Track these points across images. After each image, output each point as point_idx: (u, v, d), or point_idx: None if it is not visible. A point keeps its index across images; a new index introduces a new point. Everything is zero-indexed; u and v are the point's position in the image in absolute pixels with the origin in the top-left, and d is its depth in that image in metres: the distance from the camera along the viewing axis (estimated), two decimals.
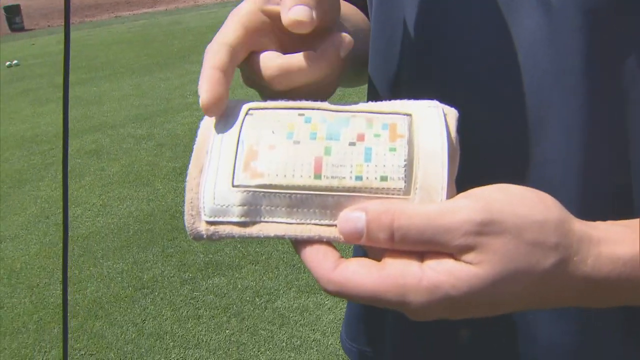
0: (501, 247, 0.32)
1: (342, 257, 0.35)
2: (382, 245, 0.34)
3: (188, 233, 0.37)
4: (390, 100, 0.40)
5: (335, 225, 0.35)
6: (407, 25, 0.49)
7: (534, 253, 0.32)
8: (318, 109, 0.39)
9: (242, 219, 0.36)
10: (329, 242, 0.36)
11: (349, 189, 0.35)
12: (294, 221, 0.36)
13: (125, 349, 2.23)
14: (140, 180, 3.79)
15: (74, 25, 12.45)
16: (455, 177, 0.37)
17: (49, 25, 13.08)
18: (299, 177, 0.36)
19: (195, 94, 4.52)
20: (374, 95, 0.54)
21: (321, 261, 0.35)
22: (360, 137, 0.37)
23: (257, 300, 2.44)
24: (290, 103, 0.40)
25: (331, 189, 0.35)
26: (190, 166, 0.38)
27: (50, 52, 9.15)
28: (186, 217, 0.37)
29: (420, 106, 0.38)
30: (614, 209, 0.42)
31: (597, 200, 0.44)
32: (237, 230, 0.37)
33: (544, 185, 0.45)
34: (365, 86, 0.58)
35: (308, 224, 0.36)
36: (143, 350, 2.21)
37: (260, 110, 0.39)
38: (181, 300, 2.48)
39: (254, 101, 0.41)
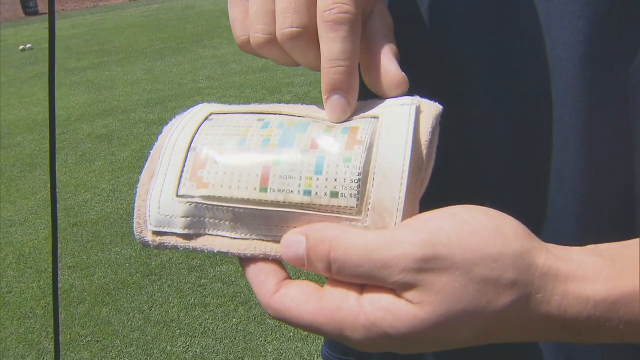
0: (445, 286, 0.28)
1: (288, 277, 0.32)
2: (323, 274, 0.30)
3: (137, 241, 0.35)
4: (367, 99, 0.35)
5: None
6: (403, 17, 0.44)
7: (485, 292, 0.28)
8: (280, 114, 0.35)
9: (186, 231, 0.33)
10: (275, 260, 0.33)
11: (296, 205, 0.31)
12: (238, 236, 0.33)
13: (132, 336, 2.21)
14: None
15: (88, 9, 12.45)
16: (421, 192, 0.32)
17: (62, 9, 13.08)
18: (244, 189, 0.32)
19: (207, 79, 4.46)
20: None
21: (262, 283, 0.32)
22: (314, 144, 0.32)
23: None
24: (263, 107, 0.36)
25: (277, 204, 0.31)
26: (142, 172, 0.36)
27: (64, 35, 9.14)
28: (134, 224, 0.35)
29: (393, 104, 0.33)
30: (615, 220, 0.37)
31: (597, 209, 0.39)
32: (181, 243, 0.33)
33: (538, 193, 0.40)
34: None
35: (253, 239, 0.32)
36: (149, 337, 2.19)
37: (221, 115, 0.36)
38: (188, 288, 2.46)
39: (224, 104, 0.37)
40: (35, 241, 2.99)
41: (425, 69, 0.42)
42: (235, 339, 2.14)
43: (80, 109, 5.11)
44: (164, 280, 2.53)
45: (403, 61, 0.37)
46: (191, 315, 2.29)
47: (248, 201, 0.32)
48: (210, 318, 2.26)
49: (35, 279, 2.67)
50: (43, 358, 2.16)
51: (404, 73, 0.34)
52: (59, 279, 2.52)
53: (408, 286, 0.28)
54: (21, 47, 8.41)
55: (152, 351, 2.12)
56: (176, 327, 2.24)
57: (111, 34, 8.88)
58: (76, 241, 2.94)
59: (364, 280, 0.29)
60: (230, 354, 2.06)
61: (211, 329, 2.20)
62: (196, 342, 2.14)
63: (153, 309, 2.36)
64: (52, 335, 2.25)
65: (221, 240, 0.33)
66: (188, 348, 2.12)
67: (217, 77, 5.56)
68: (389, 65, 0.34)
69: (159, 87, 5.52)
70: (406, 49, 0.39)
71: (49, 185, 3.53)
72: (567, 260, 0.29)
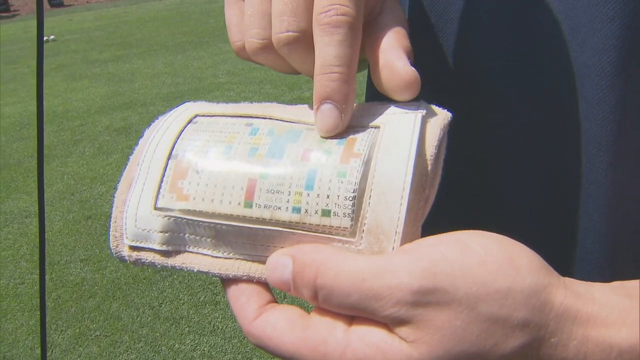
0: (445, 324, 0.24)
1: (272, 301, 0.29)
2: (310, 302, 0.27)
3: (114, 255, 0.32)
4: (370, 102, 0.31)
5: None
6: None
7: (491, 332, 0.24)
8: (271, 118, 0.31)
9: (164, 248, 0.30)
10: (260, 281, 0.30)
11: (283, 224, 0.28)
12: (220, 255, 0.30)
13: (140, 332, 2.20)
14: None
15: (112, 2, 12.54)
16: (425, 213, 0.28)
17: (87, 2, 13.21)
18: (227, 203, 0.28)
19: (228, 74, 4.45)
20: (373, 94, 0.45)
21: (243, 307, 0.29)
22: (306, 156, 0.28)
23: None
24: (254, 107, 0.32)
25: (263, 222, 0.28)
26: (121, 180, 0.33)
27: (87, 28, 9.22)
28: (111, 237, 0.32)
29: (396, 112, 0.29)
30: None
31: (627, 234, 0.34)
32: (158, 260, 0.31)
33: (561, 214, 0.36)
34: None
35: (237, 259, 0.29)
36: (158, 334, 2.18)
37: (207, 118, 0.33)
38: (199, 285, 2.44)
39: (212, 103, 0.34)
40: (50, 233, 3.00)
41: (442, 78, 0.39)
42: (244, 338, 2.11)
43: (100, 101, 5.13)
44: (175, 277, 2.52)
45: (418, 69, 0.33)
46: (201, 313, 2.27)
47: (231, 217, 0.29)
48: (220, 317, 2.24)
49: (47, 271, 2.67)
50: (52, 351, 2.16)
51: (415, 71, 0.29)
52: (70, 272, 2.52)
53: (402, 321, 0.25)
54: (44, 38, 8.50)
55: (160, 348, 2.11)
56: (185, 324, 2.22)
57: (134, 27, 8.93)
58: (90, 234, 2.94)
59: (353, 312, 0.26)
60: (238, 353, 2.04)
61: (220, 327, 2.18)
62: (205, 340, 2.12)
63: (163, 306, 2.35)
64: (62, 328, 2.25)
65: (202, 258, 0.30)
66: (196, 346, 2.10)
67: (238, 72, 5.55)
68: (397, 62, 0.30)
69: (179, 81, 5.53)
70: (423, 57, 0.36)
71: (65, 177, 3.55)
72: (589, 299, 0.26)
